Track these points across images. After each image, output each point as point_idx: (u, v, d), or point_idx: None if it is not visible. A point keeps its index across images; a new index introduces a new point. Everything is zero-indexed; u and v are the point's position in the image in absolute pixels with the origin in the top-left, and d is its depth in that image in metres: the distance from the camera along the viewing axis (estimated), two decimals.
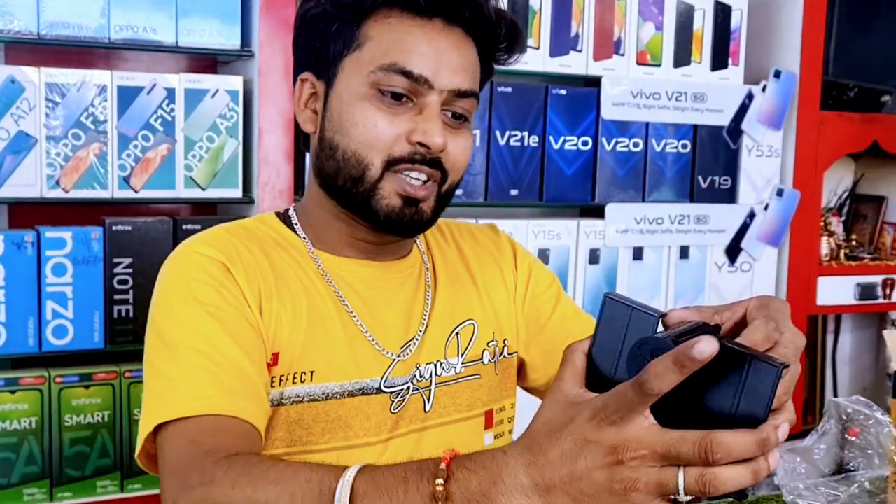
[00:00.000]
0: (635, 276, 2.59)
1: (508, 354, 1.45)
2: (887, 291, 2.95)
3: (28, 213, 2.12)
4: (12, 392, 1.98)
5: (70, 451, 2.02)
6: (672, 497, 0.82)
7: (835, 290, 2.87)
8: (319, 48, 1.29)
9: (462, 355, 1.38)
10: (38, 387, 1.99)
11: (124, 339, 2.05)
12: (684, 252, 2.65)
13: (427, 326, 1.35)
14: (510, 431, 1.46)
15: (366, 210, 1.27)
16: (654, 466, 0.81)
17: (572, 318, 1.50)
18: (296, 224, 1.36)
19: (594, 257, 2.54)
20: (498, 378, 1.43)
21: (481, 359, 1.41)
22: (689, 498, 0.82)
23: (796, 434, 2.94)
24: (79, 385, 2.02)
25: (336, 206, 1.31)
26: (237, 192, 2.15)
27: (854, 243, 3.09)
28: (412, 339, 1.34)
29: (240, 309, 1.22)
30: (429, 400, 1.34)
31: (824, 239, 2.94)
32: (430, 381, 1.34)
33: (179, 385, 1.14)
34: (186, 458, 1.07)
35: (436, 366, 1.35)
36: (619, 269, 2.57)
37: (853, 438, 1.47)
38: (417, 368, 1.33)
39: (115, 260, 2.03)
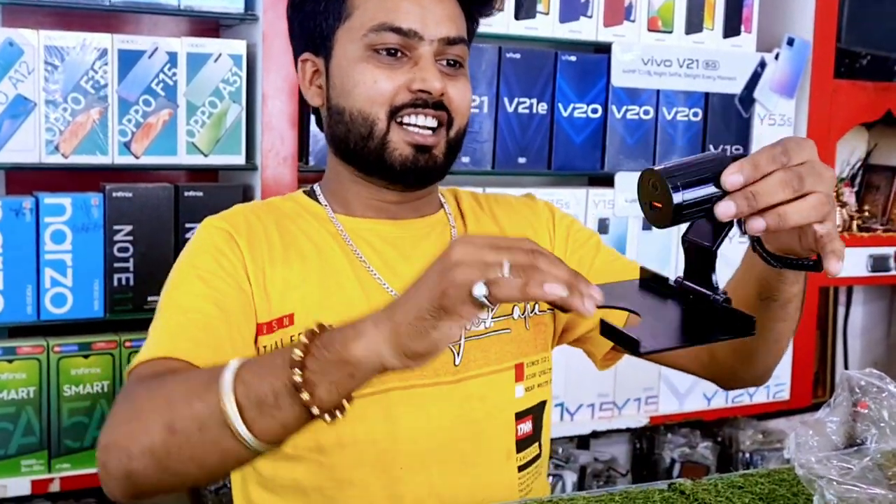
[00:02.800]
0: (645, 246, 2.56)
1: (540, 311, 1.49)
2: None
3: (26, 179, 2.09)
4: (10, 361, 1.95)
5: (69, 421, 2.00)
6: (480, 298, 0.90)
7: (847, 262, 2.81)
8: (313, 27, 1.39)
9: (491, 310, 1.38)
10: (36, 356, 1.96)
11: (124, 307, 2.02)
12: None
13: None
14: (543, 384, 1.49)
15: (380, 165, 1.36)
16: (488, 252, 0.91)
17: (615, 260, 1.55)
18: (319, 195, 1.46)
19: (603, 227, 2.50)
20: (529, 332, 1.47)
21: (511, 314, 1.45)
22: (493, 308, 0.94)
23: (808, 407, 2.92)
24: (78, 354, 2.00)
25: (353, 171, 1.40)
26: (240, 159, 2.11)
27: (867, 214, 3.04)
28: None
29: (234, 275, 1.32)
30: (458, 354, 1.39)
31: (836, 210, 2.90)
32: (460, 336, 1.39)
33: (154, 338, 1.26)
34: (128, 390, 1.19)
35: None
36: (628, 238, 2.53)
37: (865, 411, 1.44)
38: None
39: (116, 227, 2.00)
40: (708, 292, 1.02)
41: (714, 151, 0.98)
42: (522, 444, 1.44)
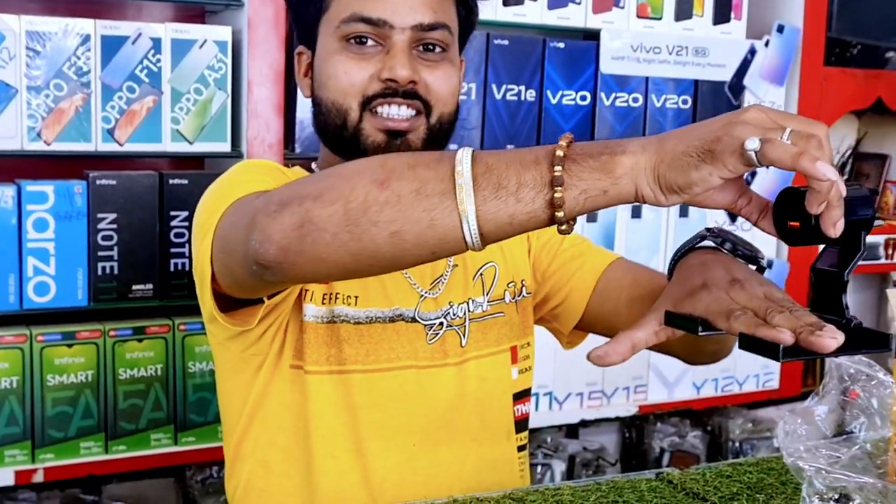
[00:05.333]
0: (634, 235, 2.54)
1: (526, 294, 1.53)
2: (890, 251, 2.91)
3: (8, 167, 2.06)
4: None
5: (52, 411, 1.98)
6: (750, 151, 0.90)
7: None
8: (302, 21, 1.42)
9: (487, 294, 1.48)
10: (19, 345, 1.94)
11: (108, 296, 2.00)
12: (684, 210, 2.60)
13: (454, 266, 1.45)
14: (529, 369, 1.54)
15: (356, 152, 1.33)
16: (776, 124, 0.92)
17: (581, 242, 1.57)
18: None
19: (592, 215, 2.49)
20: (519, 317, 1.51)
21: (503, 298, 1.49)
22: (759, 166, 0.92)
23: (797, 396, 2.91)
24: (62, 343, 1.98)
25: (339, 158, 1.38)
26: (225, 146, 2.09)
27: None
28: (441, 275, 1.43)
29: None
30: (464, 336, 1.44)
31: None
32: (465, 319, 1.44)
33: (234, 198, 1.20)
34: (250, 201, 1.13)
35: (468, 303, 1.45)
36: (617, 227, 2.52)
37: (854, 400, 1.44)
38: (451, 306, 1.43)
39: (100, 215, 1.98)
40: (837, 318, 1.02)
41: (853, 183, 0.99)
42: (520, 425, 1.51)
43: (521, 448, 1.51)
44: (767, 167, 0.92)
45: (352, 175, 1.02)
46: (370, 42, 1.33)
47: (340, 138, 1.36)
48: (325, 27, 1.37)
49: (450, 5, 1.39)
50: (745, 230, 2.66)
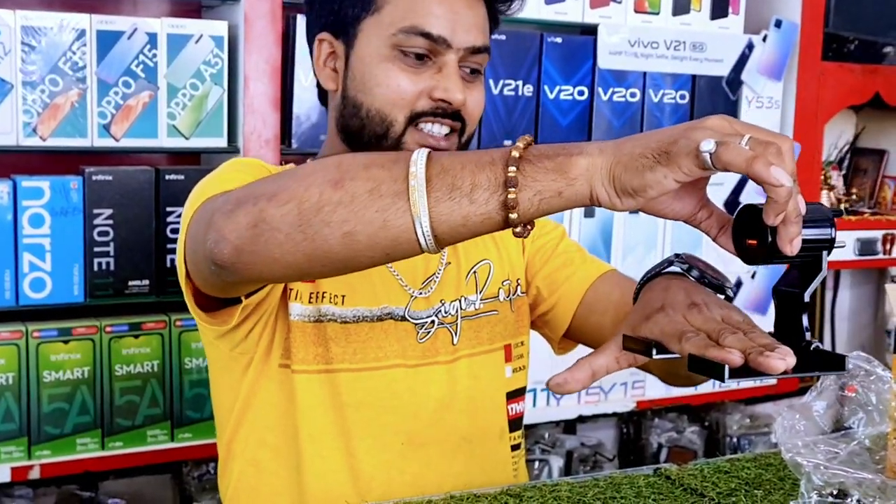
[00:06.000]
0: (631, 231, 2.54)
1: (521, 293, 1.53)
2: (887, 247, 2.90)
3: (3, 162, 2.05)
4: None
5: (49, 407, 1.97)
6: (705, 153, 0.89)
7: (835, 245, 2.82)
8: (337, 10, 1.37)
9: (480, 292, 1.47)
10: (14, 341, 1.94)
11: (105, 292, 2.00)
12: None
13: (447, 263, 1.44)
14: (523, 368, 1.53)
15: None
16: (735, 131, 0.91)
17: (576, 250, 1.58)
18: None
19: (589, 211, 2.48)
20: (514, 315, 1.51)
21: (497, 296, 1.49)
22: (713, 172, 0.90)
23: (795, 391, 2.91)
24: (57, 340, 1.97)
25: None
26: (222, 142, 2.08)
27: (854, 198, 3.03)
28: (433, 274, 1.43)
29: None
30: (456, 334, 1.43)
31: (824, 193, 2.89)
32: (457, 317, 1.43)
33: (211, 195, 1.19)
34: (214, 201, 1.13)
35: (460, 301, 1.44)
36: (614, 223, 2.52)
37: (852, 395, 1.43)
38: (442, 304, 1.42)
39: (95, 211, 1.97)
40: (797, 340, 1.01)
41: (815, 204, 0.99)
42: (514, 424, 1.50)
43: (514, 447, 1.51)
44: (723, 171, 0.90)
45: (307, 175, 1.01)
46: (425, 57, 1.32)
47: (377, 146, 1.34)
48: (375, 29, 1.34)
49: (488, 27, 1.40)
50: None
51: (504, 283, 1.49)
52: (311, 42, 1.43)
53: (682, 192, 0.96)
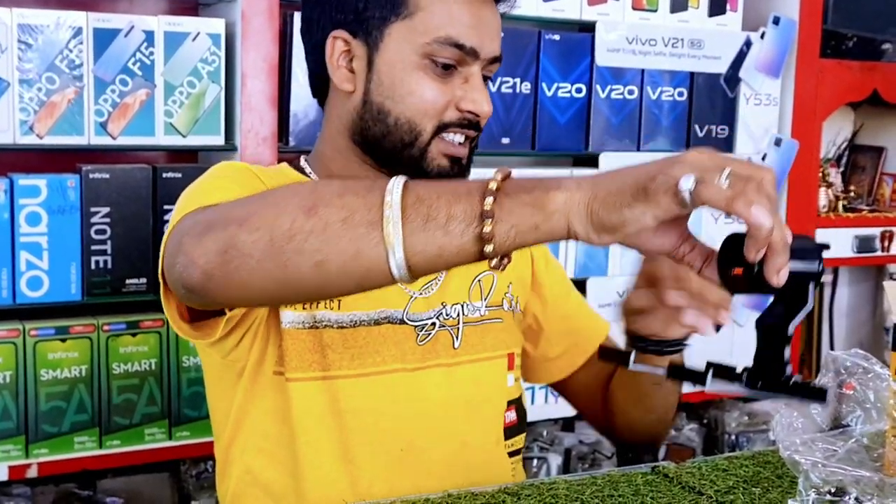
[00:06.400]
0: None
1: (519, 311, 1.54)
2: (886, 244, 2.90)
3: (0, 160, 2.05)
4: None
5: (46, 406, 1.97)
6: (684, 191, 0.88)
7: (832, 243, 2.79)
8: (361, 9, 1.34)
9: (485, 299, 1.47)
10: (12, 340, 1.93)
11: (102, 291, 1.99)
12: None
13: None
14: (519, 378, 1.54)
15: (414, 170, 1.33)
16: (715, 164, 0.90)
17: (581, 306, 1.65)
18: (310, 173, 1.43)
19: None
20: (516, 326, 1.52)
21: (502, 305, 1.49)
22: (691, 209, 0.90)
23: None
24: (55, 338, 1.97)
25: (366, 157, 1.38)
26: (219, 140, 2.08)
27: (852, 195, 3.03)
28: (434, 278, 1.42)
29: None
30: (457, 338, 1.42)
31: (822, 190, 2.88)
32: (458, 321, 1.42)
33: (194, 207, 1.16)
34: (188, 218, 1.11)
35: (462, 307, 1.44)
36: None
37: (850, 392, 1.43)
38: (444, 307, 1.42)
39: (93, 209, 1.97)
40: (778, 373, 1.01)
41: (801, 236, 0.99)
42: (509, 431, 1.48)
43: (512, 454, 1.49)
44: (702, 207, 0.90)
45: (280, 200, 0.99)
46: (451, 67, 1.32)
47: (401, 153, 1.34)
48: (406, 34, 1.32)
49: None
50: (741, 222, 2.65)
51: (507, 295, 1.50)
52: (316, 38, 1.40)
53: (663, 227, 0.95)
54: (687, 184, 0.87)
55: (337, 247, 0.96)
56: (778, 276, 0.92)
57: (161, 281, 1.19)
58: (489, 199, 0.93)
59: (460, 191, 0.96)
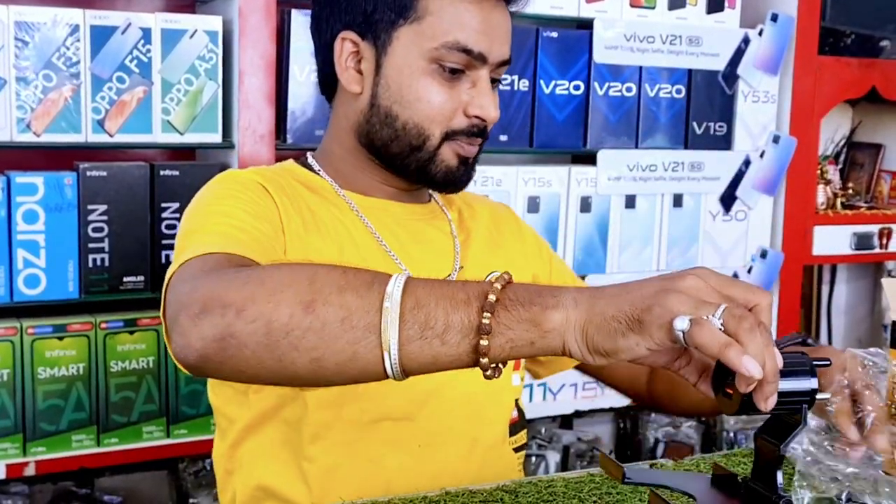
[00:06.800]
0: (627, 225, 2.54)
1: None
2: (884, 241, 2.90)
3: None
4: None
5: (43, 404, 1.97)
6: (678, 330, 0.88)
7: (831, 240, 2.82)
8: (370, 11, 1.35)
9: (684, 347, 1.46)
10: (9, 338, 1.93)
11: (100, 288, 1.99)
12: (678, 200, 2.59)
13: (461, 268, 1.44)
14: (523, 378, 1.56)
15: (422, 173, 1.38)
16: (711, 296, 0.91)
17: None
18: (318, 170, 1.44)
19: (586, 205, 2.48)
20: None
21: None
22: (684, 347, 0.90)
23: None
24: (52, 336, 1.96)
25: (372, 157, 1.41)
26: (217, 137, 2.08)
27: (850, 192, 3.03)
28: (447, 276, 1.42)
29: (269, 212, 1.28)
30: None
31: (820, 187, 2.88)
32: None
33: (198, 241, 1.17)
34: (214, 266, 1.09)
35: None
36: (611, 217, 2.51)
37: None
38: None
39: (90, 207, 1.96)
40: (769, 494, 1.01)
41: (797, 354, 0.98)
42: (513, 428, 1.50)
43: (517, 449, 1.51)
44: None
45: (278, 288, 0.97)
46: (459, 71, 1.34)
47: (408, 157, 1.36)
48: (415, 38, 1.33)
49: None
50: (739, 219, 2.65)
51: None
52: (326, 38, 1.41)
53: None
54: (681, 325, 0.88)
55: (334, 347, 0.95)
56: (767, 403, 0.91)
57: (163, 319, 1.15)
58: (487, 315, 0.93)
59: (458, 297, 0.95)
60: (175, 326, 1.02)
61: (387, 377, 0.97)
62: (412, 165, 1.37)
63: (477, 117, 1.35)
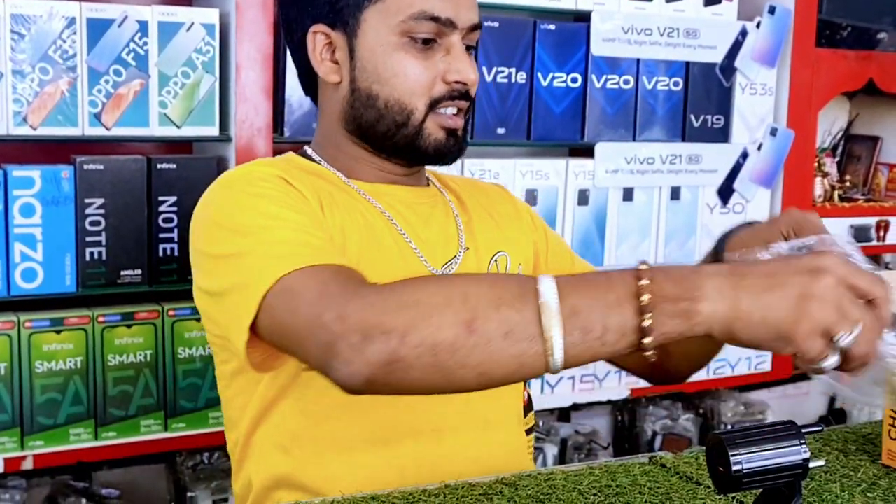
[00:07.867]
0: (625, 218, 2.54)
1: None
2: (881, 233, 2.90)
3: None
4: None
5: (41, 398, 1.96)
6: (835, 339, 0.94)
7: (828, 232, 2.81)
8: (335, 1, 1.37)
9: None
10: (6, 332, 1.93)
11: (97, 282, 1.99)
12: (675, 193, 2.59)
13: (466, 248, 1.46)
14: None
15: (411, 149, 1.39)
16: (847, 296, 0.96)
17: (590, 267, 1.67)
18: (320, 161, 1.45)
19: (583, 198, 2.48)
20: None
21: None
22: (835, 360, 0.95)
23: (789, 378, 2.90)
24: (50, 330, 1.96)
25: (364, 144, 1.41)
26: (214, 130, 2.07)
27: (848, 184, 3.03)
28: (453, 257, 1.44)
29: (305, 205, 1.29)
30: None
31: (818, 180, 2.88)
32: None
33: (272, 251, 1.17)
34: (333, 285, 1.10)
35: None
36: (608, 210, 2.51)
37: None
38: None
39: (87, 200, 1.96)
40: None
41: (786, 425, 0.99)
42: (526, 409, 1.53)
43: (528, 431, 1.53)
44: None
45: (435, 310, 1.00)
46: (431, 41, 1.35)
47: (396, 135, 1.37)
48: (381, 17, 1.35)
49: None
50: (737, 212, 2.65)
51: (519, 271, 1.53)
52: (297, 37, 1.42)
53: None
54: (847, 341, 0.94)
55: (500, 360, 0.99)
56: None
57: (246, 333, 1.17)
58: (648, 317, 0.97)
59: (609, 299, 0.99)
60: (336, 355, 1.04)
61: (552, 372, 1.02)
62: (401, 143, 1.38)
63: (457, 82, 1.36)
